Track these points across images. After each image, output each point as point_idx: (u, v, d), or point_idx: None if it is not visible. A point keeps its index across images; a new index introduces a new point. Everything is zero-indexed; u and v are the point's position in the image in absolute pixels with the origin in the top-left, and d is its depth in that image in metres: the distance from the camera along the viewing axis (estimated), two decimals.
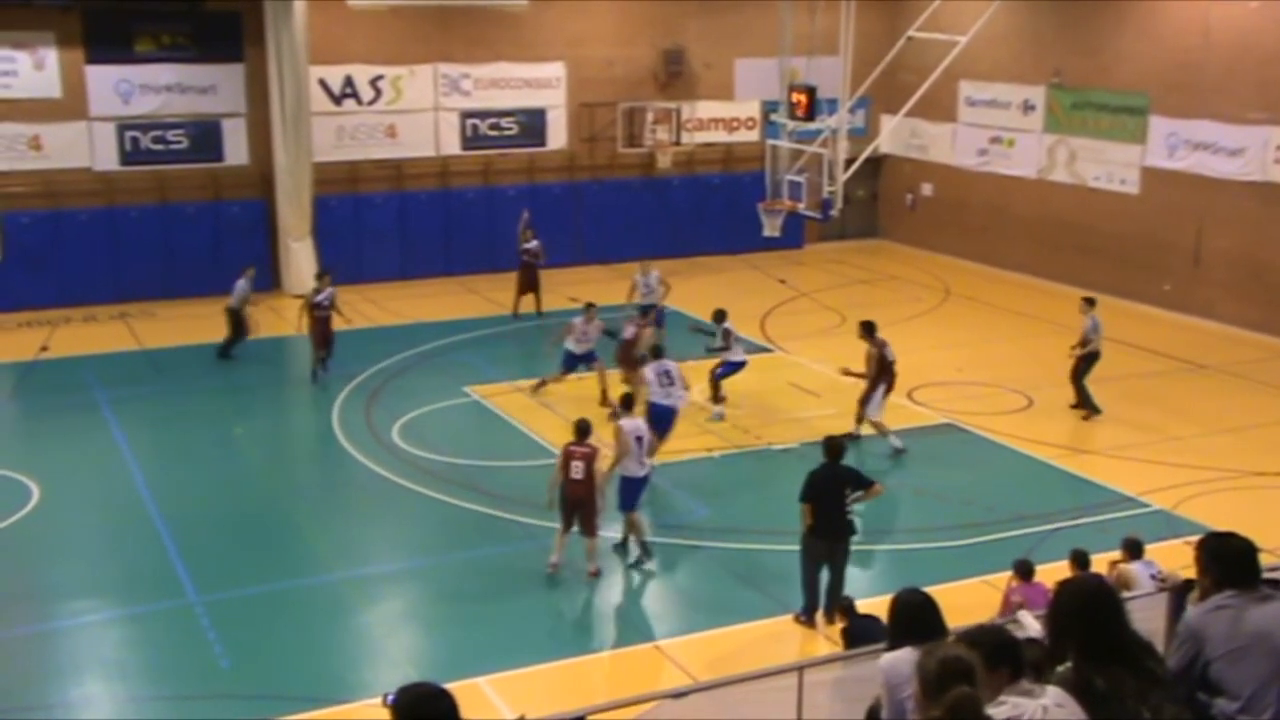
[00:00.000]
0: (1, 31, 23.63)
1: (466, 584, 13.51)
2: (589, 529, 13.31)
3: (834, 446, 12.44)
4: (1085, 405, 18.37)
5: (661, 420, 15.85)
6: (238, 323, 21.46)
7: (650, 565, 13.73)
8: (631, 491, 13.71)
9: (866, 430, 17.12)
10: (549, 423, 18.11)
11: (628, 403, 14.40)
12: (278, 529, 14.98)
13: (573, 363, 18.78)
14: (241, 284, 21.51)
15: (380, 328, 23.13)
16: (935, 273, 27.92)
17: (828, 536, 12.18)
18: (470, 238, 27.49)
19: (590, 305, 19.09)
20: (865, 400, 17.10)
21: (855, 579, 13.60)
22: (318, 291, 20.27)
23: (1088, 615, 5.12)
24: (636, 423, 13.91)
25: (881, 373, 16.94)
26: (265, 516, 15.32)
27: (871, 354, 16.90)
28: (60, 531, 14.70)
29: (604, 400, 18.33)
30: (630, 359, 18.07)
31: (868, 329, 17.17)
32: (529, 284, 23.62)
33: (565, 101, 28.07)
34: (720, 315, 18.66)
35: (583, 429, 13.31)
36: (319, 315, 20.04)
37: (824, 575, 12.37)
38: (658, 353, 16.88)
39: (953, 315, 24.59)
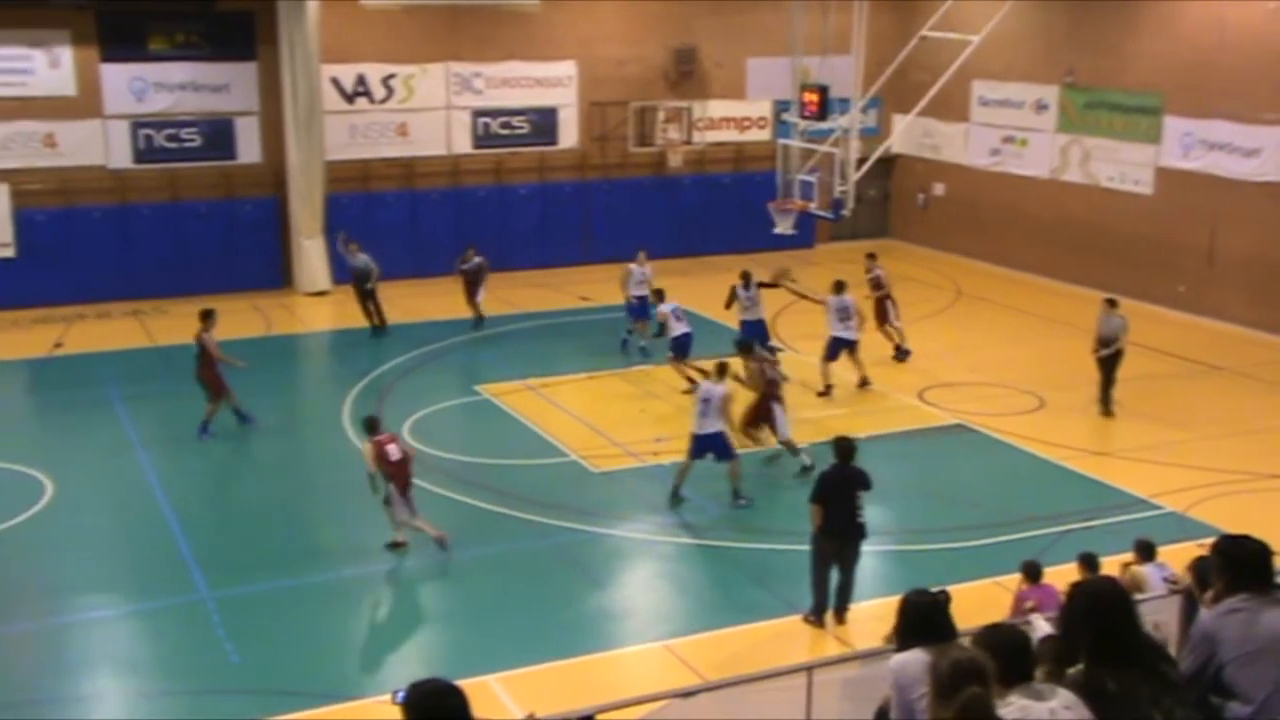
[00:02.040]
0: (17, 30, 23.73)
1: (476, 581, 13.52)
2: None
3: (845, 447, 12.42)
4: (1105, 401, 18.29)
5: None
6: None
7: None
8: (706, 446, 14.98)
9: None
10: (559, 421, 18.11)
11: (721, 370, 15.50)
12: (289, 525, 15.00)
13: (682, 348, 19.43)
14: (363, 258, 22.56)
15: (391, 325, 23.13)
16: (947, 273, 27.86)
17: (838, 537, 12.16)
18: (481, 236, 27.41)
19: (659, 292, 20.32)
20: (757, 423, 16.38)
21: (865, 580, 13.56)
22: (464, 261, 22.55)
23: (1099, 617, 5.09)
24: (709, 387, 15.20)
25: (770, 389, 16.34)
26: (275, 513, 15.34)
27: (752, 370, 16.43)
28: (73, 527, 14.74)
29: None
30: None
31: (744, 348, 16.71)
32: (471, 292, 23.21)
33: (576, 100, 28.07)
34: (660, 295, 19.87)
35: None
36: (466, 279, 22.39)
37: (833, 575, 12.33)
38: (660, 295, 19.93)
39: (964, 316, 24.53)
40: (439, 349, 21.75)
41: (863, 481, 12.26)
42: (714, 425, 15.01)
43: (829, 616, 12.33)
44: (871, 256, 21.71)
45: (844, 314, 19.09)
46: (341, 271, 25.07)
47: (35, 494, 15.48)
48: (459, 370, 20.59)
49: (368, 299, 22.59)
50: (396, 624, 12.86)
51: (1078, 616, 5.16)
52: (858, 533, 12.24)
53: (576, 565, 13.70)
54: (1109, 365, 18.31)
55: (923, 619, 6.02)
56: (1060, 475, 16.50)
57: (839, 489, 12.18)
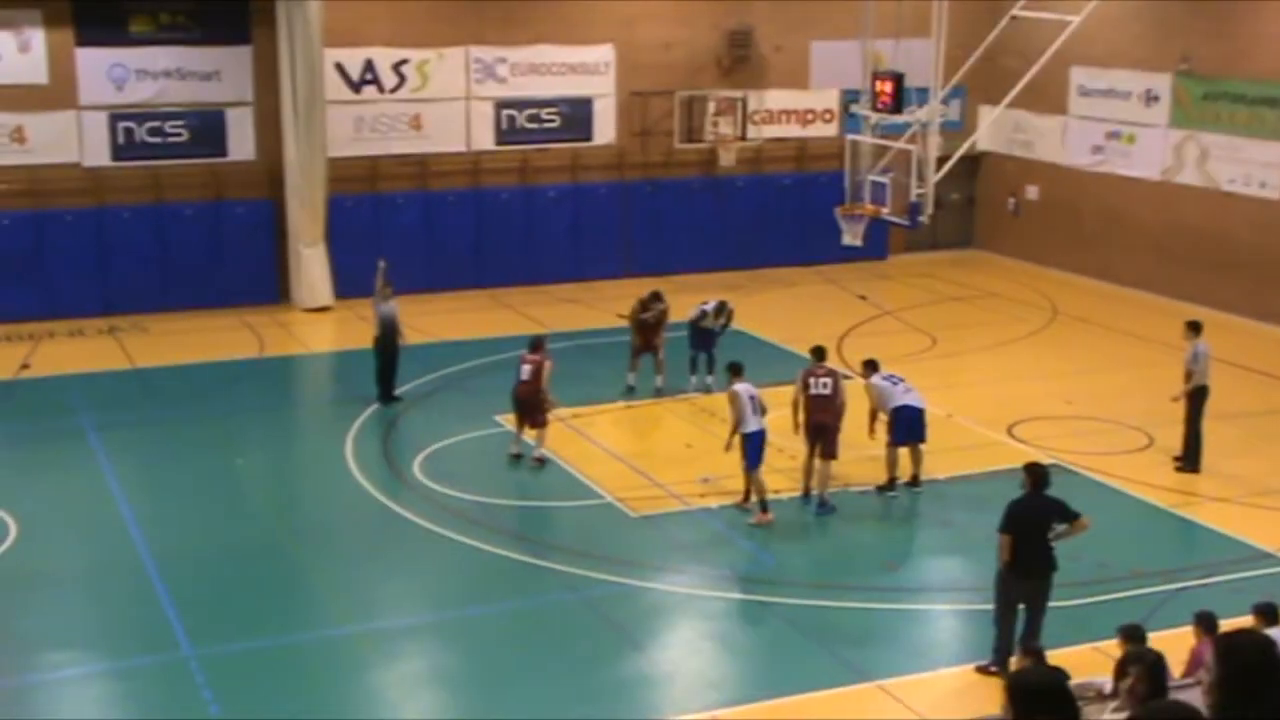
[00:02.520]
0: None
1: (496, 641, 13.58)
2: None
3: (1037, 474, 12.59)
4: (1189, 458, 17.90)
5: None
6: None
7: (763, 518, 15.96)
8: (753, 448, 15.99)
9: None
10: (593, 457, 18.18)
11: (738, 369, 16.52)
12: (282, 575, 15.13)
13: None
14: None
15: (401, 347, 23.27)
16: (1041, 289, 27.75)
17: (1028, 575, 12.35)
18: (505, 245, 27.67)
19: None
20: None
21: (946, 644, 13.54)
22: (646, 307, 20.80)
23: (1259, 678, 5.07)
24: (748, 385, 16.23)
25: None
26: (268, 561, 15.47)
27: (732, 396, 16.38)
28: (39, 573, 14.90)
29: None
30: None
31: (735, 369, 16.66)
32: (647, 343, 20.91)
33: (614, 90, 28.22)
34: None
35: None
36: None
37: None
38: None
39: (1061, 338, 24.43)
40: (455, 374, 21.90)
41: (1058, 511, 12.38)
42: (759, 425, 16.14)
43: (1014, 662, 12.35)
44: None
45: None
46: (346, 285, 25.31)
47: None
48: (478, 398, 20.68)
49: (392, 363, 20.49)
50: (403, 689, 12.93)
51: (1236, 676, 5.12)
52: (1049, 566, 12.40)
53: (612, 623, 13.73)
54: (1191, 406, 17.76)
55: (1045, 698, 5.94)
56: (1171, 524, 16.39)
57: (1030, 520, 12.33)
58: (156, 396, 21.11)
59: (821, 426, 16.35)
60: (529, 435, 18.01)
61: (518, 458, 18.01)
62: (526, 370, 17.87)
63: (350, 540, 16.09)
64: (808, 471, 16.70)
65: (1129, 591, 14.26)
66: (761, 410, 16.26)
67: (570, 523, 16.37)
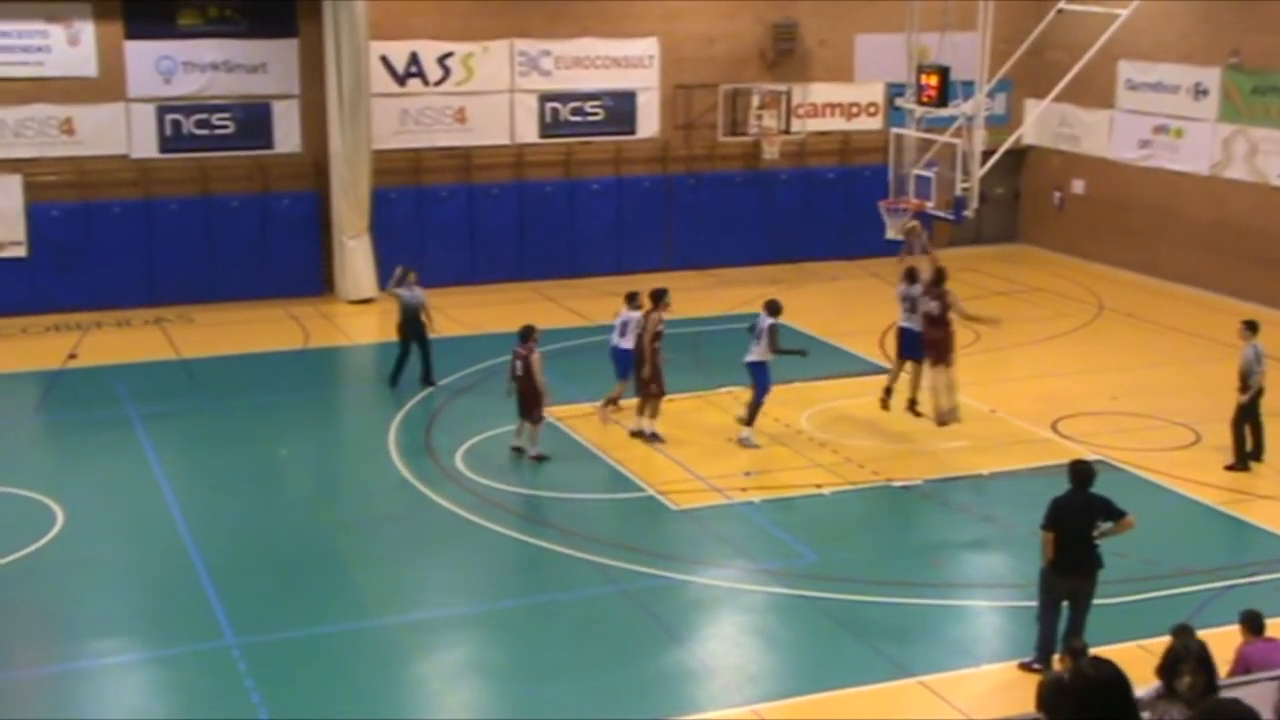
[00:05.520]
0: (34, 3, 24.34)
1: (535, 633, 13.57)
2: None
3: (1082, 472, 12.47)
4: (1239, 458, 17.63)
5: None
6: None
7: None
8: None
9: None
10: (635, 450, 18.14)
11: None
12: (326, 565, 15.17)
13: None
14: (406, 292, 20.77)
15: (443, 339, 23.31)
16: (1087, 284, 27.55)
17: (1071, 573, 12.26)
18: (548, 237, 27.68)
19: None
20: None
21: (988, 641, 13.44)
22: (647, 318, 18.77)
23: None
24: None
25: None
26: (312, 550, 15.52)
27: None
28: (85, 561, 15.02)
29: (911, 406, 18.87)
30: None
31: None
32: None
33: (658, 83, 28.19)
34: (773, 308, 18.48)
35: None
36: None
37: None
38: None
39: (1107, 334, 24.23)
40: (497, 365, 21.89)
41: (1103, 509, 12.28)
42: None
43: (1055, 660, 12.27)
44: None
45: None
46: (389, 278, 25.30)
47: (44, 523, 15.80)
48: None
49: (425, 341, 20.78)
50: (443, 679, 12.93)
51: None
52: (1094, 564, 12.30)
53: (651, 616, 13.69)
54: (1245, 408, 17.46)
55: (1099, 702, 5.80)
56: (1218, 522, 16.22)
57: (1074, 517, 12.23)
58: (202, 387, 21.21)
59: (933, 341, 18.09)
60: (528, 430, 17.79)
61: (519, 451, 17.89)
62: (518, 365, 17.65)
63: (392, 531, 16.12)
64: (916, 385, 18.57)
65: (1175, 590, 14.12)
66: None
67: (612, 516, 16.35)
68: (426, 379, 20.84)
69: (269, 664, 12.74)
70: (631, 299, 18.70)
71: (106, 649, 13.21)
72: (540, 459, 17.65)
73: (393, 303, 21.36)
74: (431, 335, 20.91)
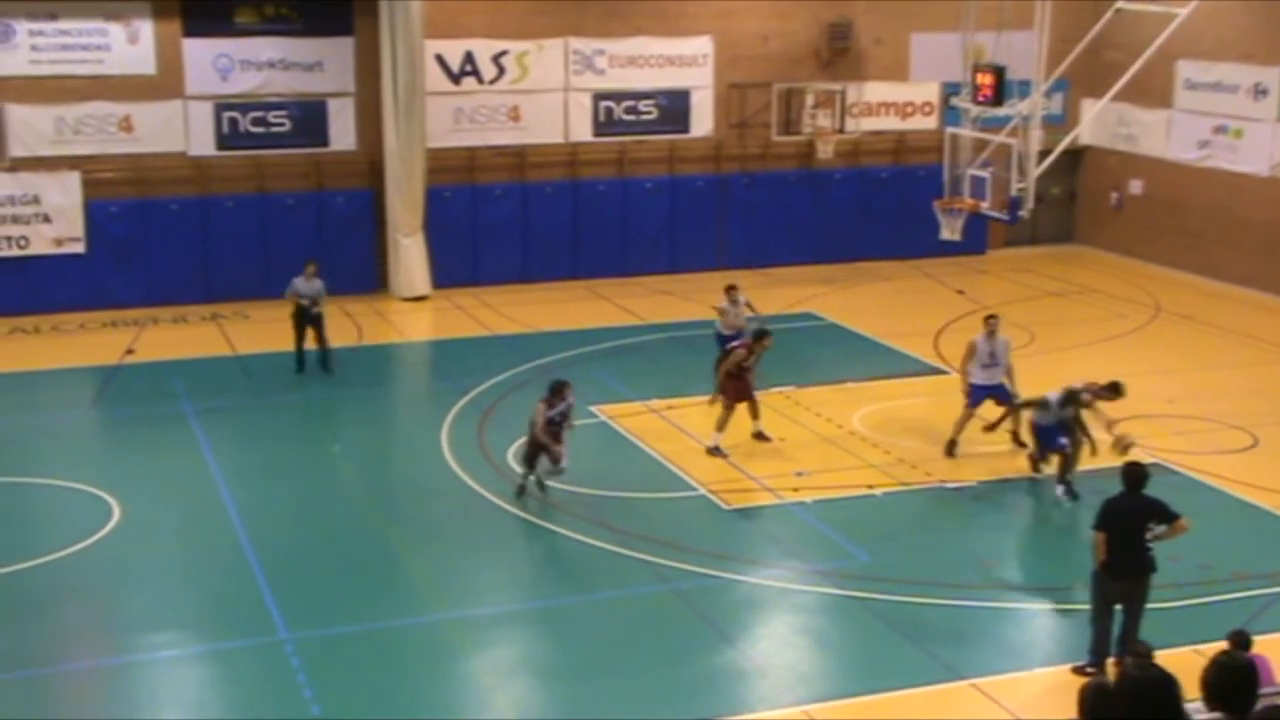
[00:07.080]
0: (94, 2, 24.63)
1: (587, 631, 13.58)
2: None
3: (1135, 474, 12.36)
4: None
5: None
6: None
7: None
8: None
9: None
10: (687, 449, 18.13)
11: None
12: (378, 561, 15.25)
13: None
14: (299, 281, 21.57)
15: (497, 336, 23.44)
16: (1143, 285, 27.30)
17: (1124, 575, 12.17)
18: (601, 236, 27.72)
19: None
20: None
21: (1041, 644, 13.35)
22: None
23: None
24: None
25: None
26: (365, 546, 15.60)
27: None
28: (140, 555, 15.18)
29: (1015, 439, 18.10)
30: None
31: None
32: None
33: (712, 82, 28.16)
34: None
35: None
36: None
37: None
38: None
39: (1163, 336, 24.00)
40: (551, 364, 21.95)
41: (1156, 512, 12.17)
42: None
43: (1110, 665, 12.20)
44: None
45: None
46: (443, 275, 25.55)
47: (101, 517, 15.98)
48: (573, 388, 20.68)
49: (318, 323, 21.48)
50: (495, 676, 12.97)
51: None
52: (1147, 567, 12.21)
53: (702, 615, 13.68)
54: None
55: (1155, 702, 5.76)
56: (1276, 526, 16.02)
57: (1126, 519, 12.15)
58: (257, 383, 21.38)
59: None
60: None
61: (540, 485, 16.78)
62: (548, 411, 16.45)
63: (444, 527, 16.19)
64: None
65: (1231, 594, 13.96)
66: None
67: (663, 514, 16.34)
68: (324, 365, 21.48)
69: (321, 659, 12.83)
70: (730, 291, 19.63)
71: (160, 643, 13.32)
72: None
73: (445, 300, 21.45)
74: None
